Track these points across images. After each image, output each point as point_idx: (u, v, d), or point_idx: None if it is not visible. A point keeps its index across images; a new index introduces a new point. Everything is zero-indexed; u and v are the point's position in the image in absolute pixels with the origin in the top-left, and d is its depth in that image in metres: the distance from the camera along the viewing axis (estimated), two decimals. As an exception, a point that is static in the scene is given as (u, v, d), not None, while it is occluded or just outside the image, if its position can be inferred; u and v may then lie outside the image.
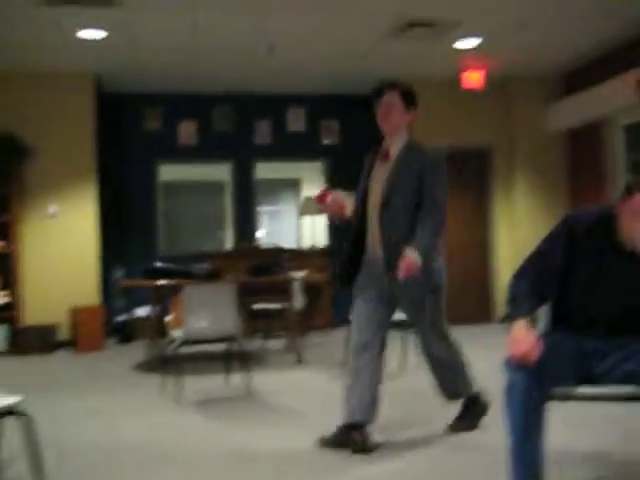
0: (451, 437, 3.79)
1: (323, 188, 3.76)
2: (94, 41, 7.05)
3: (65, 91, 8.17)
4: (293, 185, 11.87)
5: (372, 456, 3.51)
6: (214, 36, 7.07)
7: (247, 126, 9.40)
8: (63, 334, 8.02)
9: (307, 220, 10.25)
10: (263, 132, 9.45)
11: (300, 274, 6.85)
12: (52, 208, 8.10)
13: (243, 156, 9.43)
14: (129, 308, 8.55)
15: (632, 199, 2.52)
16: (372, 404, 3.63)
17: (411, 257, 3.40)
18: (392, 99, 3.68)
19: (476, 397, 3.88)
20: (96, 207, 8.26)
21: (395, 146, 3.71)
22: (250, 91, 9.22)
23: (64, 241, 8.11)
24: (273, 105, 9.45)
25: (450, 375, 3.84)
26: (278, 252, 8.30)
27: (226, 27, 6.80)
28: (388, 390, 5.07)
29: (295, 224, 11.51)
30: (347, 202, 3.74)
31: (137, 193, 9.12)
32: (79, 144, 8.20)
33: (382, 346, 3.75)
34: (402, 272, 3.41)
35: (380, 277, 3.66)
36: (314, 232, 9.72)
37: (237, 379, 5.30)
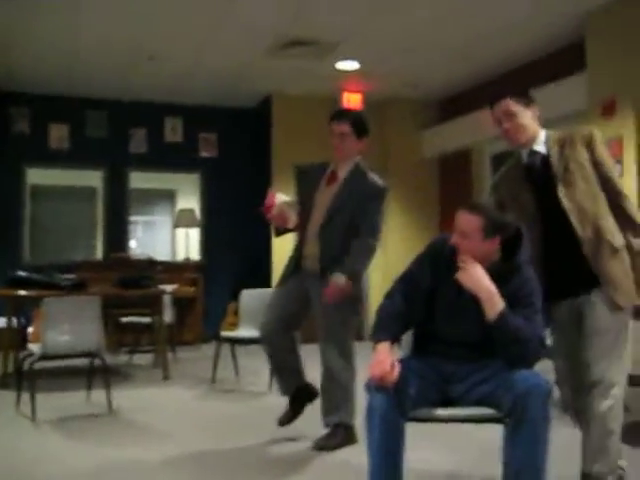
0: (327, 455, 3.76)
1: (269, 194, 3.85)
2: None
3: None
4: (169, 196, 11.63)
5: (252, 475, 3.45)
6: (92, 38, 6.84)
7: (122, 133, 9.15)
8: None
9: (181, 232, 10.07)
10: (139, 141, 9.23)
11: (171, 287, 6.71)
12: None
13: (117, 164, 9.16)
14: (-14, 318, 8.06)
15: None
16: None
17: (338, 283, 3.68)
18: (343, 129, 3.85)
19: (351, 427, 3.87)
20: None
21: (343, 170, 3.92)
22: (127, 98, 8.99)
23: None
24: (150, 114, 9.24)
25: (338, 396, 3.84)
26: (150, 264, 8.11)
27: (106, 31, 6.60)
28: (260, 407, 5.05)
29: (169, 236, 11.27)
30: (290, 214, 3.86)
31: (1, 197, 8.66)
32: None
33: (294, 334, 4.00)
34: (328, 298, 3.69)
35: (306, 284, 3.89)
36: (188, 245, 9.56)
37: (99, 396, 5.09)
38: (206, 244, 9.52)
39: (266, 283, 8.29)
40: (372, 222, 3.84)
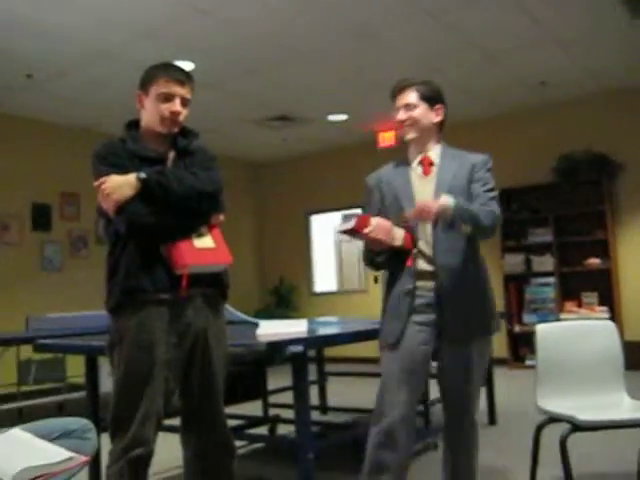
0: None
1: (360, 214, 2.68)
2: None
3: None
4: None
5: None
6: None
7: None
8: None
9: None
10: None
11: None
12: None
13: None
14: None
15: None
16: None
17: (442, 202, 2.55)
18: (410, 99, 2.80)
19: None
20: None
21: (433, 152, 2.84)
22: None
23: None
24: None
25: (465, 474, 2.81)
26: None
27: None
28: None
29: None
30: (395, 229, 2.66)
31: None
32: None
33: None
34: (413, 213, 2.58)
35: (426, 321, 2.70)
36: None
37: None
38: None
39: None
40: (487, 197, 2.70)
